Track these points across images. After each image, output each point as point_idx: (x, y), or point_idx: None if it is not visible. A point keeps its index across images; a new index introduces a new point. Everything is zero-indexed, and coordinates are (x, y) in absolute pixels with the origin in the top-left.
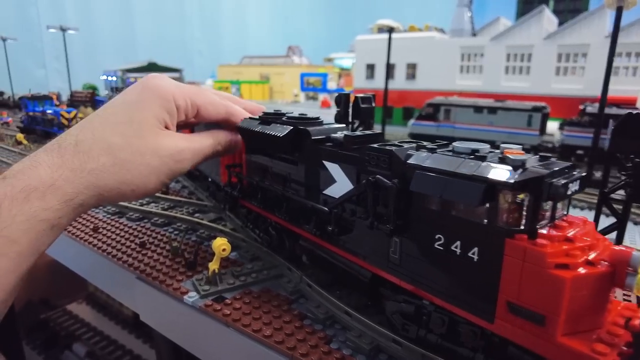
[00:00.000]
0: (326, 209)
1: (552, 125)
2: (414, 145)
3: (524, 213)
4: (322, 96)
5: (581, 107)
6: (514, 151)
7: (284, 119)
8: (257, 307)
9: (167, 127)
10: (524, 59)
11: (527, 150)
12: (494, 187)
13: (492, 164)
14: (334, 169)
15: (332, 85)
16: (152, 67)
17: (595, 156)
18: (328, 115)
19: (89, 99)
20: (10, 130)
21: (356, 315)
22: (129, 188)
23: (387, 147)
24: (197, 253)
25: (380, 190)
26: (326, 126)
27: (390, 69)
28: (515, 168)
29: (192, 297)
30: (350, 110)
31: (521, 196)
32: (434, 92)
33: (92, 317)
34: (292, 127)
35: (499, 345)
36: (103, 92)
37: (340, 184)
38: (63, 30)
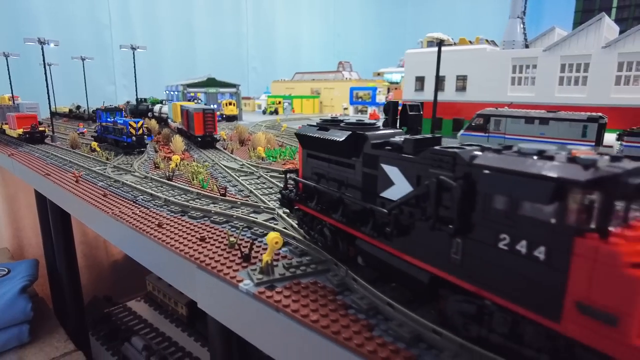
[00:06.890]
0: (385, 210)
1: (610, 137)
2: (477, 147)
3: (596, 212)
4: (370, 109)
5: None
6: (584, 152)
7: (341, 125)
8: (305, 296)
9: None
10: (580, 69)
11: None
12: (563, 186)
13: (561, 163)
14: (392, 171)
15: (381, 98)
16: (211, 82)
17: None
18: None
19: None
20: (84, 139)
21: (399, 307)
22: None
23: (451, 149)
24: (252, 247)
25: (443, 192)
26: (383, 131)
27: (440, 81)
28: (585, 167)
29: (246, 284)
30: (398, 117)
31: (592, 195)
32: (484, 104)
33: (149, 314)
34: (350, 132)
35: (565, 347)
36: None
37: (399, 187)
38: (133, 48)
